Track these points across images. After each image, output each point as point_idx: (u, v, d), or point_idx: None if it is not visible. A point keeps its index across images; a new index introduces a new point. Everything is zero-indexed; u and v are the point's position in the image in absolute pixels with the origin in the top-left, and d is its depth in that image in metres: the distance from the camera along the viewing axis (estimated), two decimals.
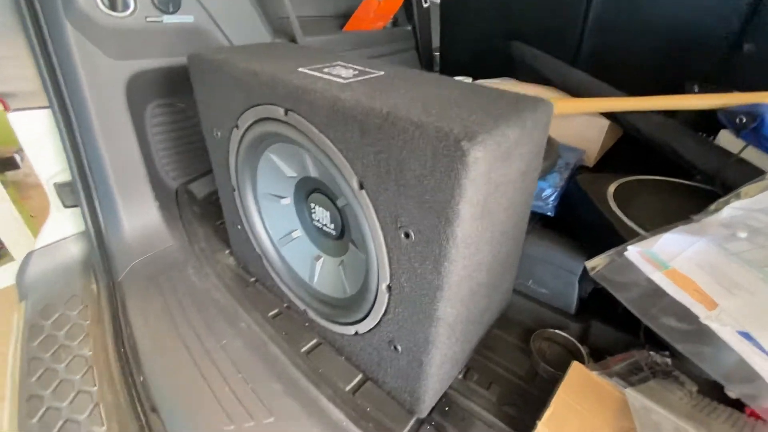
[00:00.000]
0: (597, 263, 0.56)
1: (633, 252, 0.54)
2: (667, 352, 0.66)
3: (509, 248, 0.54)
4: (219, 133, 0.63)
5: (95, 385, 0.57)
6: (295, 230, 0.67)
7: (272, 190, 0.65)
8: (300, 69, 0.50)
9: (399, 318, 0.49)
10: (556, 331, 0.70)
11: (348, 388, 0.59)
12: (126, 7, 0.70)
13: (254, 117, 0.53)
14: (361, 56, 1.40)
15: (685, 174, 0.81)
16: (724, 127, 0.77)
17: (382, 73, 0.50)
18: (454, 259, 0.39)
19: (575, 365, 0.58)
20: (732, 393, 0.57)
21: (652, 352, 0.66)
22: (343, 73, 0.50)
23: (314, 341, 0.67)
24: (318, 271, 0.65)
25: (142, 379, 0.56)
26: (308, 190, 0.61)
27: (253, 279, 0.80)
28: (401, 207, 0.40)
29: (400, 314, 0.48)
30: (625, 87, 0.97)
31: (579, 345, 0.68)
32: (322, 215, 0.61)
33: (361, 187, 0.43)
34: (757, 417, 0.55)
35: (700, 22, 1.00)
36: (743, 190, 0.61)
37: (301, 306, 0.69)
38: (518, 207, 0.49)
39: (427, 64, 1.59)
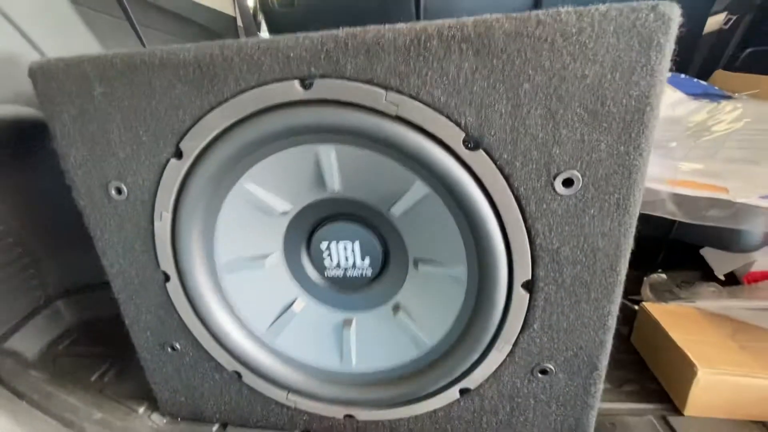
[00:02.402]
0: None
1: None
2: (663, 273, 0.72)
3: None
4: (125, 189, 0.36)
5: None
6: (295, 300, 0.43)
7: (246, 251, 0.41)
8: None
9: (551, 324, 0.35)
10: None
11: None
12: None
13: (234, 116, 0.32)
14: None
15: None
16: None
17: None
18: (637, 208, 0.30)
19: (652, 306, 0.55)
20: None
21: (654, 275, 0.72)
22: None
23: None
24: (354, 343, 0.43)
25: None
26: (312, 225, 0.41)
27: (216, 426, 0.48)
28: (558, 142, 0.29)
29: (553, 318, 0.34)
30: None
31: None
32: (343, 254, 0.41)
33: (477, 145, 0.30)
34: (755, 280, 0.65)
35: None
36: None
37: (340, 413, 0.44)
38: None
39: None
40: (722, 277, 0.68)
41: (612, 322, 0.34)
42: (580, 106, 0.27)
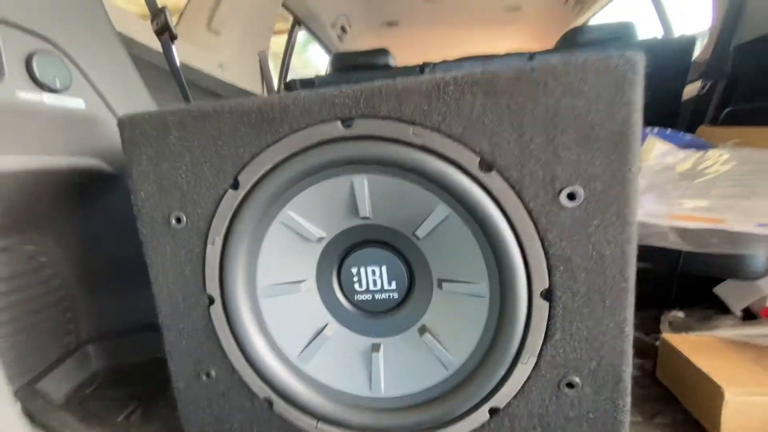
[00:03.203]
0: None
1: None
2: (680, 312, 0.73)
3: None
4: (184, 218, 0.42)
5: None
6: (326, 325, 0.46)
7: (284, 276, 0.45)
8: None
9: (572, 333, 0.37)
10: None
11: None
12: None
13: (286, 152, 0.39)
14: None
15: None
16: None
17: None
18: (635, 216, 0.34)
19: (673, 338, 0.56)
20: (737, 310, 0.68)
21: (671, 312, 0.73)
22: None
23: None
24: (382, 368, 0.45)
25: None
26: (343, 251, 0.45)
27: None
28: (559, 162, 0.34)
29: (573, 327, 0.37)
30: None
31: None
32: (371, 278, 0.45)
33: (490, 168, 0.35)
34: None
35: None
36: None
37: None
38: None
39: None
40: (739, 314, 0.68)
41: (629, 330, 0.36)
42: (574, 131, 0.33)
